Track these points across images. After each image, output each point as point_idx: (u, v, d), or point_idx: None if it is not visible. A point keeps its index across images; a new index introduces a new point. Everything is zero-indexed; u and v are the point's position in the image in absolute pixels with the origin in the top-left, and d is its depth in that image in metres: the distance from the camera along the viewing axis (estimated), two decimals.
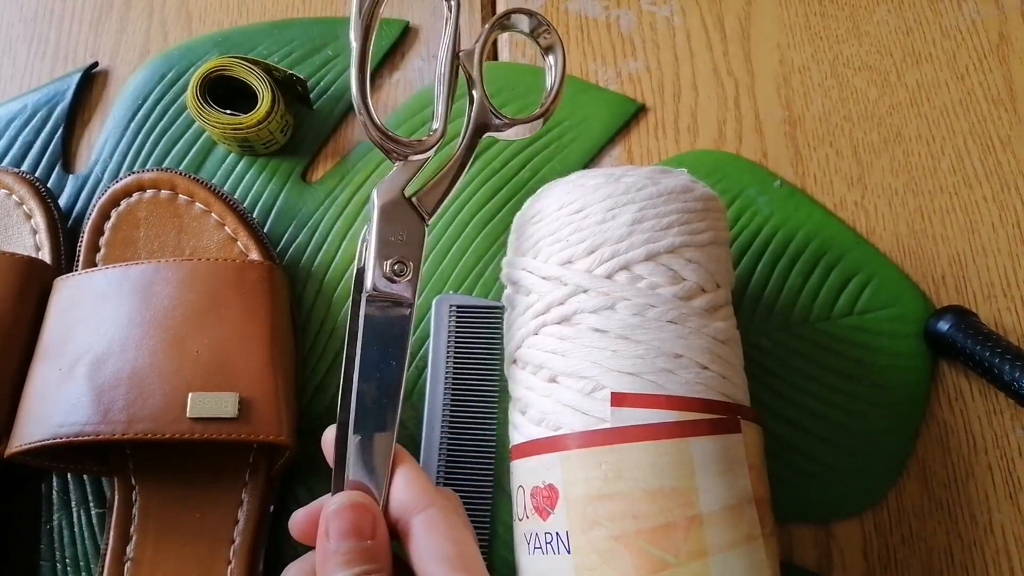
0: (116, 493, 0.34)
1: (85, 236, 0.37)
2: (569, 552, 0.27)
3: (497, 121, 0.34)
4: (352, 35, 0.32)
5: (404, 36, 0.46)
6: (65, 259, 0.38)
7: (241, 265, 0.35)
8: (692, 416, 0.27)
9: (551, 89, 0.36)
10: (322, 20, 0.46)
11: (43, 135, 0.43)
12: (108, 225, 0.37)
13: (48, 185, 0.41)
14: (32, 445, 0.31)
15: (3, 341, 0.33)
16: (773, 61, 0.44)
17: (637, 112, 0.43)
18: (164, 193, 0.37)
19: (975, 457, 0.36)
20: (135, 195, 0.37)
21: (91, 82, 0.45)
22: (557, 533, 0.27)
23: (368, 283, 0.30)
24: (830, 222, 0.40)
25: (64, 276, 0.35)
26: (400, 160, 0.32)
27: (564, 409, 0.28)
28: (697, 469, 0.27)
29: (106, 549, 0.33)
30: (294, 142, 0.42)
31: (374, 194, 0.31)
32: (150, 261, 0.34)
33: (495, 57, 0.46)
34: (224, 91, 0.40)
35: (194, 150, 0.42)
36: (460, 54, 0.34)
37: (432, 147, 0.33)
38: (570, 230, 0.30)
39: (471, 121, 0.34)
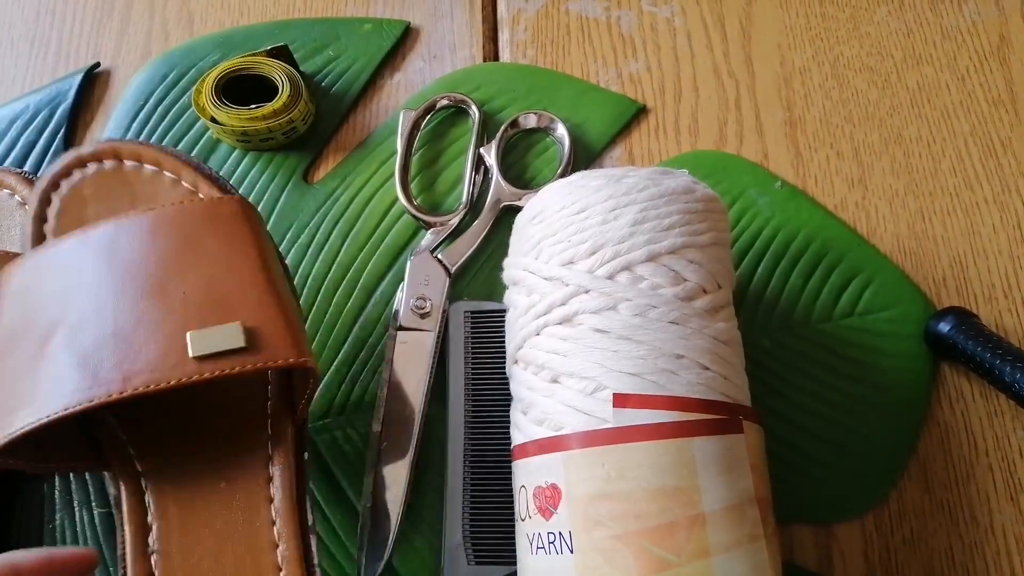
0: (120, 485, 0.30)
1: (28, 227, 0.33)
2: (572, 552, 0.27)
3: (512, 194, 0.40)
4: (399, 143, 0.41)
5: (405, 37, 0.46)
6: None
7: (210, 202, 0.32)
8: (694, 416, 0.28)
9: (564, 159, 0.41)
10: (323, 20, 0.46)
11: (45, 136, 0.43)
12: (52, 212, 0.33)
13: None
14: (15, 434, 0.26)
15: None
16: (774, 62, 0.44)
17: (638, 113, 0.43)
18: (108, 164, 0.34)
19: (976, 458, 0.36)
20: (76, 174, 0.34)
21: (93, 83, 0.45)
22: (560, 533, 0.27)
23: (399, 319, 0.37)
24: (831, 223, 0.40)
25: (9, 264, 0.31)
26: (430, 229, 0.40)
27: (566, 409, 0.28)
28: (699, 469, 0.27)
29: (124, 546, 0.29)
30: (302, 138, 0.43)
31: (410, 255, 0.39)
32: (109, 220, 0.31)
33: (496, 58, 0.46)
34: (232, 95, 0.40)
35: (196, 149, 0.42)
36: (481, 150, 0.41)
37: (457, 219, 0.40)
38: (571, 231, 0.30)
39: (491, 197, 0.40)
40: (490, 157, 0.41)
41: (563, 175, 0.40)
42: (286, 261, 0.40)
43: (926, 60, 0.44)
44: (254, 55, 0.41)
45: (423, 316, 0.37)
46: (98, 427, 0.31)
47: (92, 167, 0.34)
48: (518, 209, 0.35)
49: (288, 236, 0.40)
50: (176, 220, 0.31)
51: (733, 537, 0.27)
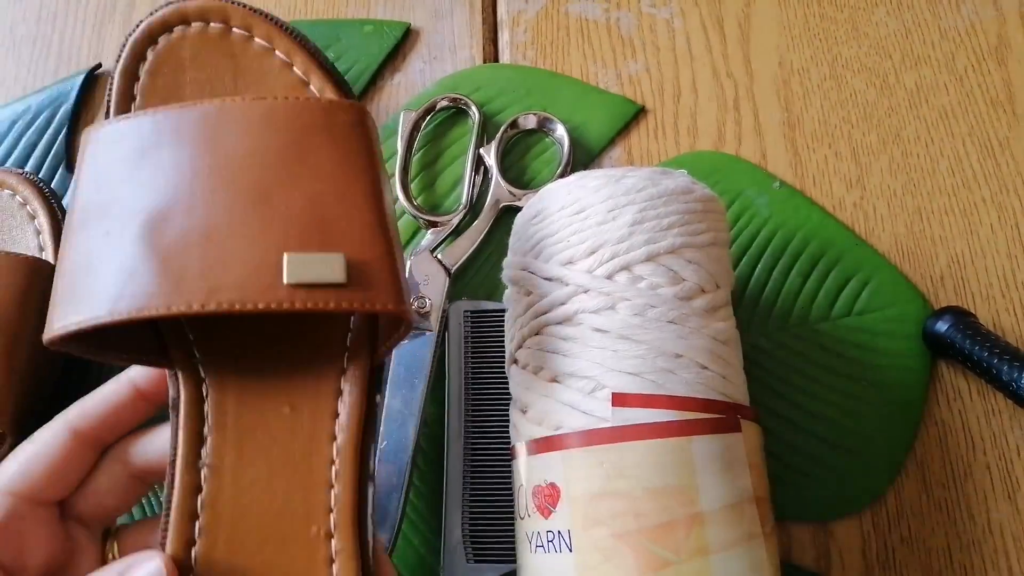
0: (181, 388, 0.28)
1: (115, 82, 0.30)
2: (571, 551, 0.27)
3: (511, 194, 0.41)
4: (399, 144, 0.42)
5: (405, 38, 0.46)
6: None
7: (328, 105, 0.28)
8: (692, 415, 0.28)
9: (564, 159, 0.41)
10: (324, 22, 0.46)
11: (47, 136, 0.43)
12: (144, 69, 0.30)
13: (52, 186, 0.41)
14: (81, 326, 0.24)
15: (6, 342, 0.33)
16: (772, 63, 0.44)
17: (637, 114, 0.43)
18: (214, 27, 0.30)
19: (973, 457, 0.36)
20: (177, 30, 0.30)
21: (94, 84, 0.46)
22: (559, 531, 0.27)
23: None
24: (829, 223, 0.40)
25: (97, 125, 0.28)
26: (431, 229, 0.40)
27: (565, 409, 0.29)
28: (698, 468, 0.27)
29: (175, 454, 0.27)
30: None
31: (410, 256, 0.39)
32: (213, 100, 0.27)
33: (496, 59, 0.46)
34: None
35: None
36: (481, 151, 0.41)
37: (457, 219, 0.40)
38: (571, 231, 0.31)
39: (490, 197, 0.40)
40: (490, 158, 0.41)
41: (562, 175, 0.41)
42: None
43: (924, 61, 0.44)
44: None
45: (423, 316, 0.37)
46: (165, 321, 0.29)
47: (196, 26, 0.30)
48: (518, 209, 0.35)
49: None
50: (288, 119, 0.27)
51: (732, 536, 0.27)
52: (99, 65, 0.46)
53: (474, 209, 0.40)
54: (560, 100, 0.43)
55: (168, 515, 0.26)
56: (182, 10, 0.30)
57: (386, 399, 0.35)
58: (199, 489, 0.26)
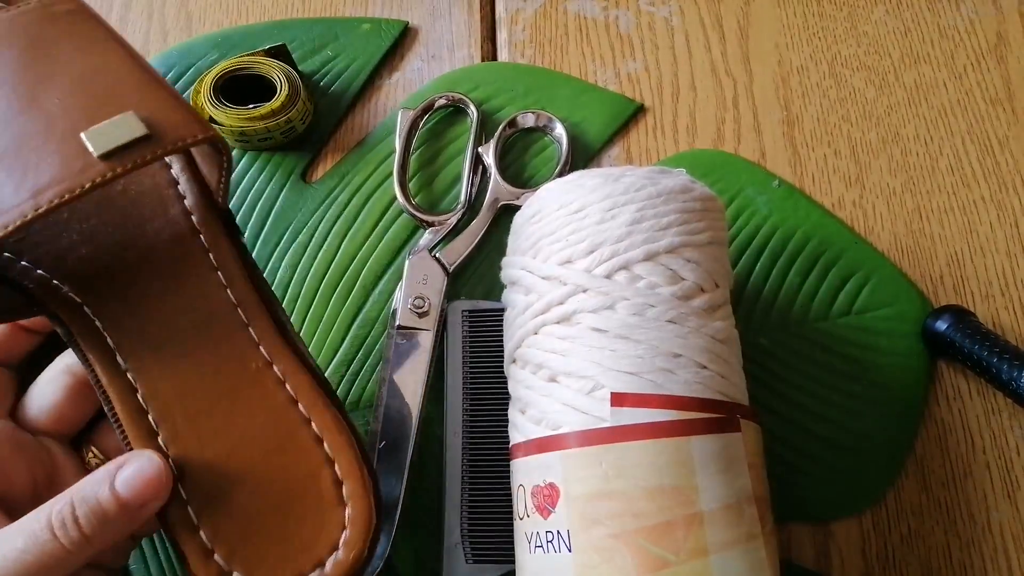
0: (66, 323, 0.28)
1: None
2: (570, 551, 0.27)
3: (510, 193, 0.40)
4: (397, 142, 0.42)
5: (403, 36, 0.46)
6: None
7: (39, 5, 0.29)
8: (691, 415, 0.28)
9: (562, 158, 0.41)
10: (322, 20, 0.46)
11: None
12: None
13: None
14: None
15: None
16: (771, 61, 0.44)
17: (636, 112, 0.43)
18: None
19: (973, 456, 0.36)
20: None
21: None
22: (558, 531, 0.27)
23: (397, 319, 0.37)
24: (828, 222, 0.40)
25: None
26: (429, 228, 0.40)
27: (564, 408, 0.29)
28: (697, 468, 0.27)
29: (91, 372, 0.28)
30: (300, 138, 0.43)
31: (408, 255, 0.39)
32: None
33: (494, 57, 0.46)
34: (230, 94, 0.40)
35: None
36: (479, 149, 0.41)
37: (456, 218, 0.40)
38: (569, 230, 0.30)
39: (489, 196, 0.40)
40: (488, 156, 0.41)
41: (561, 174, 0.40)
42: (284, 260, 0.40)
43: (924, 59, 0.44)
44: (252, 55, 0.41)
45: (421, 315, 0.37)
46: (12, 274, 0.29)
47: None
48: (516, 208, 0.35)
49: (287, 235, 0.40)
50: (12, 32, 0.28)
51: (731, 536, 0.27)
52: None
53: (472, 208, 0.40)
54: (559, 98, 0.43)
55: (119, 422, 0.27)
56: None
57: (385, 399, 0.35)
58: (134, 389, 0.27)
